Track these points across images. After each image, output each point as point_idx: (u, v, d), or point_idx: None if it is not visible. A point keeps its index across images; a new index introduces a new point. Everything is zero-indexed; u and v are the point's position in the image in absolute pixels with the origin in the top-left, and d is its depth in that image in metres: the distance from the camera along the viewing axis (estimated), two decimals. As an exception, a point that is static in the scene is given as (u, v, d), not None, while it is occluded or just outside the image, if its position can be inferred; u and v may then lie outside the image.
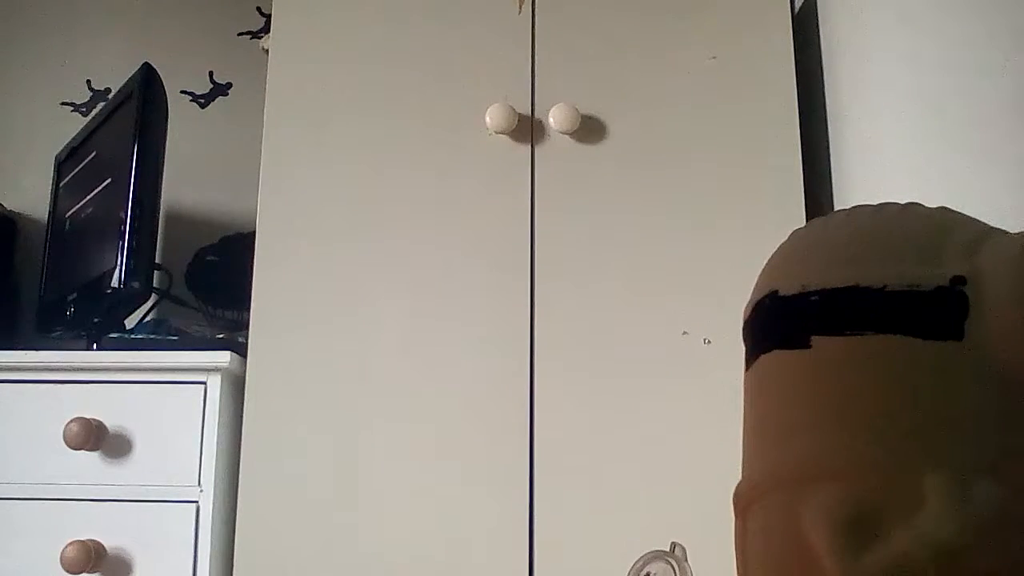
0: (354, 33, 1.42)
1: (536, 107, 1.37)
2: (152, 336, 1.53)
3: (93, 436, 1.31)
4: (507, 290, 1.32)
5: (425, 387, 1.29)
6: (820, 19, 1.45)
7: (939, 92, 1.01)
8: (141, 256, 1.46)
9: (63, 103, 2.05)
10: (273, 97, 1.40)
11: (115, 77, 2.00)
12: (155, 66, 1.57)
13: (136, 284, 1.45)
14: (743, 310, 0.59)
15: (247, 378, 1.30)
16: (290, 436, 1.28)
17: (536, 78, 1.39)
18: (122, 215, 1.46)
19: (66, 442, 1.31)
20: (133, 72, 1.58)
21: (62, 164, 1.84)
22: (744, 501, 0.54)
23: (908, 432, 0.48)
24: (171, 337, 1.52)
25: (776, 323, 0.55)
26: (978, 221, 0.55)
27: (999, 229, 0.54)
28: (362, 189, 1.36)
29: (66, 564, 1.26)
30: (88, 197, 1.66)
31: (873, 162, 1.22)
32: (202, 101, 2.04)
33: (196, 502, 1.31)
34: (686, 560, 0.79)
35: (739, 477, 0.56)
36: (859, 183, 1.28)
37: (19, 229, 1.96)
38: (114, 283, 1.44)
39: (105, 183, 1.59)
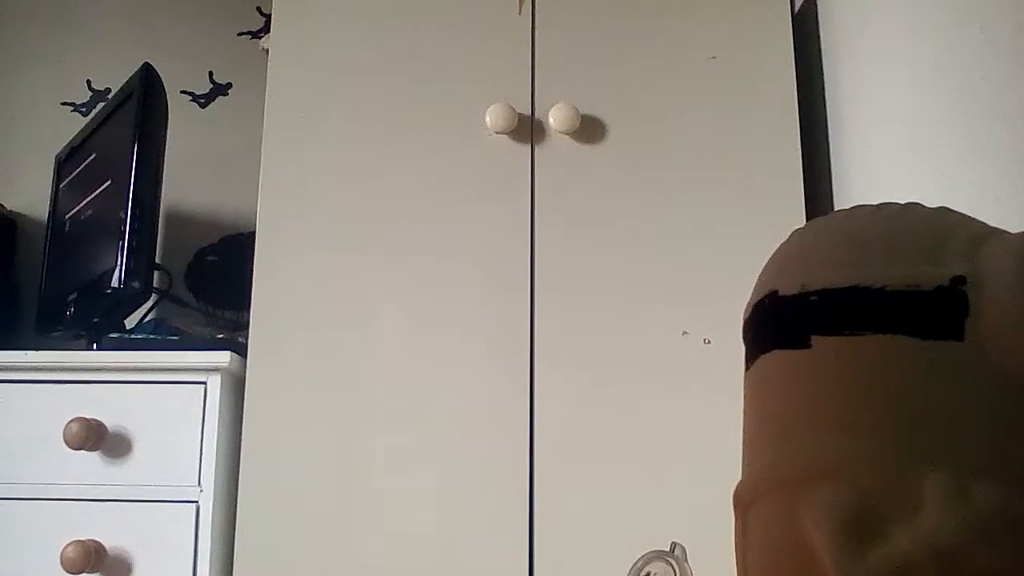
0: (354, 33, 1.42)
1: (536, 107, 1.37)
2: (152, 336, 1.53)
3: (93, 436, 1.31)
4: (507, 289, 1.32)
5: (425, 386, 1.29)
6: (820, 19, 1.45)
7: (939, 92, 1.01)
8: (141, 256, 1.46)
9: (63, 103, 2.05)
10: (273, 97, 1.40)
11: (115, 77, 2.00)
12: (155, 66, 1.57)
13: (136, 284, 1.45)
14: (743, 310, 0.59)
15: (247, 378, 1.30)
16: (290, 436, 1.28)
17: (536, 78, 1.39)
18: (122, 215, 1.46)
19: (66, 442, 1.31)
20: (133, 72, 1.58)
21: (62, 164, 1.84)
22: (744, 501, 0.54)
23: (908, 432, 0.48)
24: (171, 337, 1.52)
25: (776, 323, 0.54)
26: (978, 221, 0.55)
27: (999, 229, 0.54)
28: (362, 189, 1.36)
29: (66, 564, 1.26)
30: (88, 197, 1.66)
31: (873, 162, 1.22)
32: (202, 101, 2.04)
33: (196, 502, 1.31)
34: (686, 560, 0.79)
35: (739, 477, 0.56)
36: (859, 183, 1.28)
37: (19, 229, 1.96)
38: (114, 283, 1.44)
39: (105, 183, 1.59)
